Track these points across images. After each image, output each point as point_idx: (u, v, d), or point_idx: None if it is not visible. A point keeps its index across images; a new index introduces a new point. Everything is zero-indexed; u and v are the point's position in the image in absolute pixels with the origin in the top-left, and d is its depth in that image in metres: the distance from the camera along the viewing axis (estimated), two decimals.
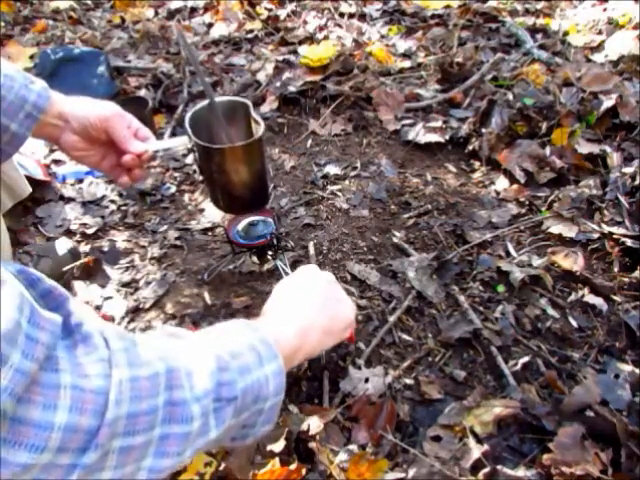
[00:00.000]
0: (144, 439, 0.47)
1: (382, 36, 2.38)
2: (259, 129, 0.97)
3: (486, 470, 0.84)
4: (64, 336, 0.46)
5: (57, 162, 1.61)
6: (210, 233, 1.39)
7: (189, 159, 1.63)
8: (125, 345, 0.49)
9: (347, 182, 1.55)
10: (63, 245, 1.25)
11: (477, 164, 1.62)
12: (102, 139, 0.85)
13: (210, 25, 2.52)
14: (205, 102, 0.98)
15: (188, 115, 0.96)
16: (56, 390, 0.42)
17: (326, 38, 2.30)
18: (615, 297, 1.16)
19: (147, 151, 0.86)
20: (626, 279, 1.20)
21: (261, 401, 0.58)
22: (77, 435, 0.42)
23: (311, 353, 0.69)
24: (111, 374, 0.45)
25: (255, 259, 1.24)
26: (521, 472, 0.85)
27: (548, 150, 1.54)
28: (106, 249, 1.34)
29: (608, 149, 1.53)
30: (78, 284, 1.23)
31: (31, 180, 1.24)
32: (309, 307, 0.70)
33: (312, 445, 0.86)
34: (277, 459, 0.84)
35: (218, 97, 0.98)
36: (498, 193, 1.50)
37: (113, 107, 0.86)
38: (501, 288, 1.18)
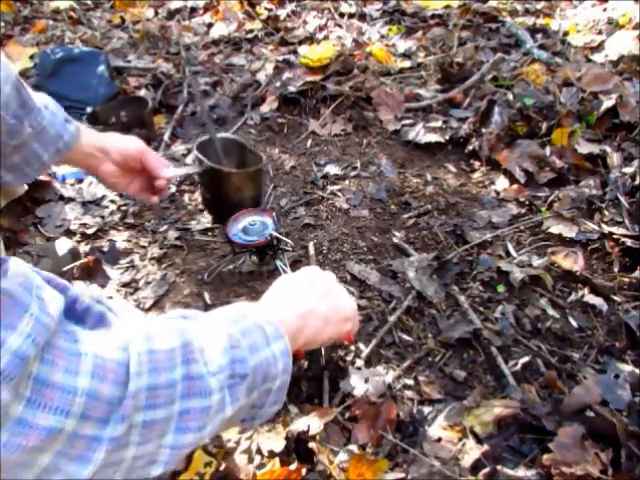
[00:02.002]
0: (165, 414, 0.47)
1: (382, 36, 2.38)
2: (261, 159, 1.26)
3: (486, 470, 0.84)
4: (77, 320, 0.47)
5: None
6: (210, 233, 1.39)
7: (189, 159, 1.63)
8: (139, 322, 0.50)
9: (347, 182, 1.55)
10: (63, 245, 1.25)
11: (477, 164, 1.62)
12: (136, 167, 1.03)
13: (210, 25, 2.52)
14: (207, 137, 1.27)
15: (195, 145, 1.24)
16: (77, 357, 0.43)
17: (326, 38, 2.30)
18: (615, 297, 1.16)
19: (175, 176, 1.10)
20: (626, 279, 1.20)
21: (270, 380, 0.59)
22: (100, 404, 0.43)
23: (311, 339, 0.70)
24: (129, 348, 0.46)
25: (255, 259, 1.24)
26: (521, 472, 0.85)
27: (548, 150, 1.54)
28: (106, 249, 1.34)
29: (608, 149, 1.53)
30: (78, 284, 1.23)
31: None
32: (308, 295, 0.72)
33: (312, 445, 0.86)
34: (277, 459, 0.84)
35: (218, 134, 1.30)
36: (498, 193, 1.50)
37: (141, 141, 1.05)
38: (501, 288, 1.18)
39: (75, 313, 0.49)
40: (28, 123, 0.85)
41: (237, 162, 1.33)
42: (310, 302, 0.71)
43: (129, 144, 1.02)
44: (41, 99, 0.89)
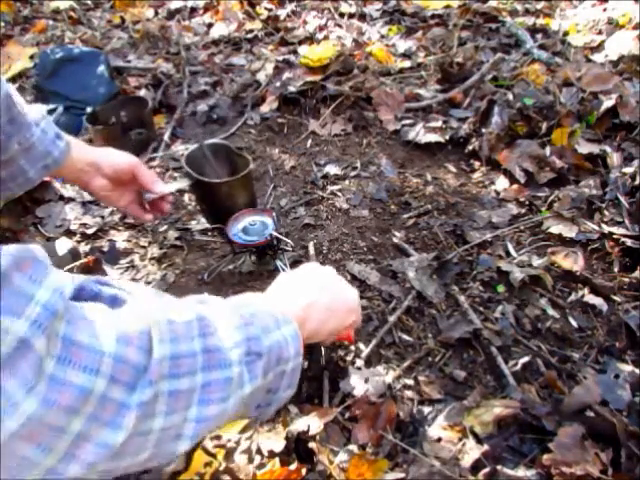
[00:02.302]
0: (188, 384, 0.48)
1: (382, 36, 2.38)
2: (249, 163, 1.25)
3: (486, 470, 0.84)
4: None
5: None
6: (210, 233, 1.39)
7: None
8: (154, 298, 0.52)
9: (347, 182, 1.55)
10: (63, 245, 1.25)
11: (477, 164, 1.62)
12: (128, 182, 1.04)
13: (210, 25, 2.52)
14: (195, 145, 1.29)
15: (184, 158, 1.23)
16: (99, 323, 0.44)
17: (326, 38, 2.30)
18: (615, 297, 1.16)
19: (171, 192, 1.10)
20: (626, 279, 1.20)
21: (283, 362, 0.60)
22: (127, 367, 0.44)
23: (315, 331, 0.70)
24: (147, 319, 0.47)
25: (255, 259, 1.24)
26: (521, 472, 0.85)
27: (548, 150, 1.54)
28: (106, 249, 1.34)
29: (608, 149, 1.53)
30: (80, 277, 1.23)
31: None
32: (310, 287, 0.73)
33: (312, 445, 0.86)
34: (277, 459, 0.84)
35: (206, 141, 1.31)
36: (498, 193, 1.50)
37: (133, 156, 1.05)
38: (501, 288, 1.18)
39: (86, 301, 0.50)
40: (16, 139, 0.86)
41: (228, 166, 1.33)
42: (311, 295, 0.72)
43: (121, 158, 1.03)
44: (33, 113, 0.90)
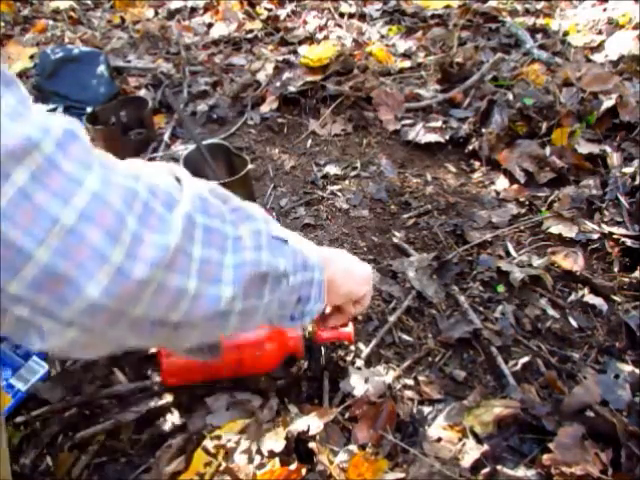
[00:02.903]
0: (220, 225, 0.49)
1: (382, 36, 2.38)
2: (247, 163, 1.27)
3: (486, 470, 0.84)
4: None
5: None
6: None
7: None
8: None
9: (347, 182, 1.55)
10: None
11: (477, 164, 1.62)
12: None
13: (210, 25, 2.52)
14: (193, 146, 1.29)
15: (182, 159, 1.25)
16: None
17: (326, 38, 2.30)
18: (615, 297, 1.16)
19: None
20: (626, 279, 1.20)
21: (310, 269, 0.60)
22: (163, 190, 0.45)
23: (331, 284, 0.69)
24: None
25: None
26: (521, 472, 0.85)
27: (548, 150, 1.54)
28: None
29: (608, 149, 1.53)
30: None
31: None
32: (330, 249, 0.76)
33: (312, 445, 0.86)
34: (277, 459, 0.84)
35: (204, 141, 1.31)
36: (498, 193, 1.49)
37: None
38: (501, 288, 1.18)
39: None
40: None
41: (226, 167, 1.34)
42: (331, 252, 0.74)
43: None
44: None
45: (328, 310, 0.82)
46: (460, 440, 0.89)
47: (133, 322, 0.43)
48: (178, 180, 0.50)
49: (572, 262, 1.23)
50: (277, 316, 0.60)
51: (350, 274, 0.75)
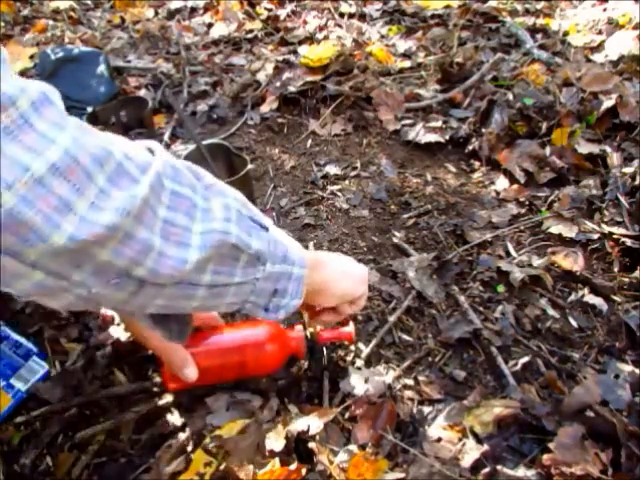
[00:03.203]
0: (190, 194, 0.51)
1: (382, 36, 2.38)
2: (247, 163, 1.27)
3: (486, 470, 0.84)
4: None
5: None
6: None
7: None
8: None
9: (347, 182, 1.55)
10: None
11: (477, 164, 1.62)
12: None
13: (210, 25, 2.52)
14: (193, 146, 1.30)
15: (181, 159, 1.21)
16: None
17: (326, 38, 2.30)
18: (615, 297, 1.16)
19: None
20: (626, 279, 1.20)
21: (289, 263, 0.60)
22: (137, 154, 0.47)
23: (326, 283, 0.71)
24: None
25: None
26: (521, 472, 0.85)
27: (548, 150, 1.54)
28: None
29: (608, 149, 1.53)
30: None
31: None
32: (325, 253, 0.78)
33: (312, 445, 0.86)
34: (277, 459, 0.84)
35: (203, 141, 1.30)
36: (498, 193, 1.50)
37: None
38: (501, 288, 1.18)
39: None
40: None
41: (225, 166, 1.34)
42: (327, 255, 0.75)
43: None
44: None
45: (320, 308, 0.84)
46: (460, 440, 0.89)
47: (98, 267, 0.44)
48: (152, 152, 0.51)
49: (572, 262, 1.23)
50: (251, 303, 0.61)
51: (345, 275, 0.75)
